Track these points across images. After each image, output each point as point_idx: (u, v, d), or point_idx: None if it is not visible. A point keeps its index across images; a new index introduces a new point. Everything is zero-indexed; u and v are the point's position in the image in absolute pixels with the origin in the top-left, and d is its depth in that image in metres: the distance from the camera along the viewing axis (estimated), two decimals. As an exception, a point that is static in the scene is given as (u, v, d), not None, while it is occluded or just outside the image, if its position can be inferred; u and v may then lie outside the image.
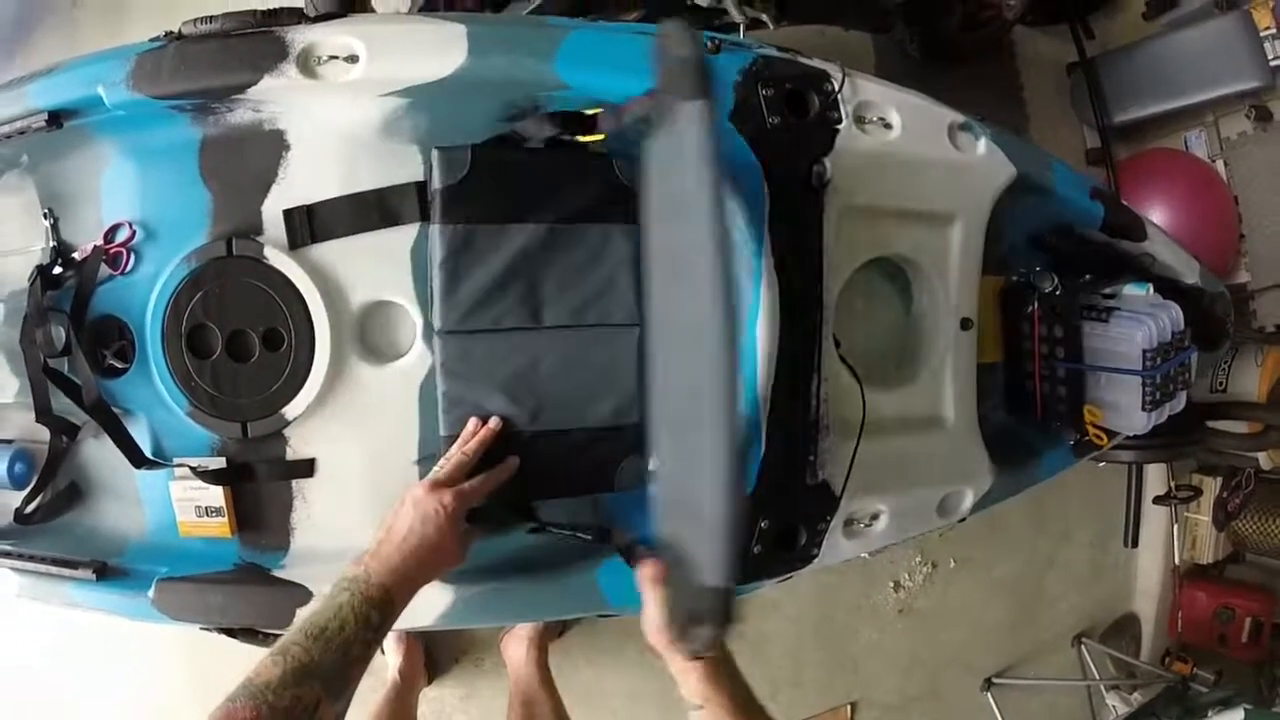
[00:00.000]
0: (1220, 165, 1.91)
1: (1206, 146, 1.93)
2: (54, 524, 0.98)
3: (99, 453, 0.98)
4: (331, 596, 0.73)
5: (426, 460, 0.94)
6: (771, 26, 1.35)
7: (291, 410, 0.92)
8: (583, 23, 0.89)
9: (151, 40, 0.87)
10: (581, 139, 0.87)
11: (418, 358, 0.94)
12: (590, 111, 0.86)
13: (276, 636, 0.72)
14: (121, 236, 0.92)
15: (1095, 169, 1.97)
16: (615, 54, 0.87)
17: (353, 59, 0.83)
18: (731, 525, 0.47)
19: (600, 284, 0.93)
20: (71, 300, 0.92)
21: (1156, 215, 1.71)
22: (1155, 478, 2.14)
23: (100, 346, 0.93)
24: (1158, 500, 2.05)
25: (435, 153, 0.89)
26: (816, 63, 0.97)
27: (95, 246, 0.93)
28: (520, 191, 0.90)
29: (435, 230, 0.89)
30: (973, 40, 1.69)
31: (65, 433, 0.96)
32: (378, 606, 0.73)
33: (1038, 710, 2.14)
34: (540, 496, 0.95)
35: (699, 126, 0.49)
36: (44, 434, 0.97)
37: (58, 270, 0.93)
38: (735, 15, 1.26)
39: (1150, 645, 2.28)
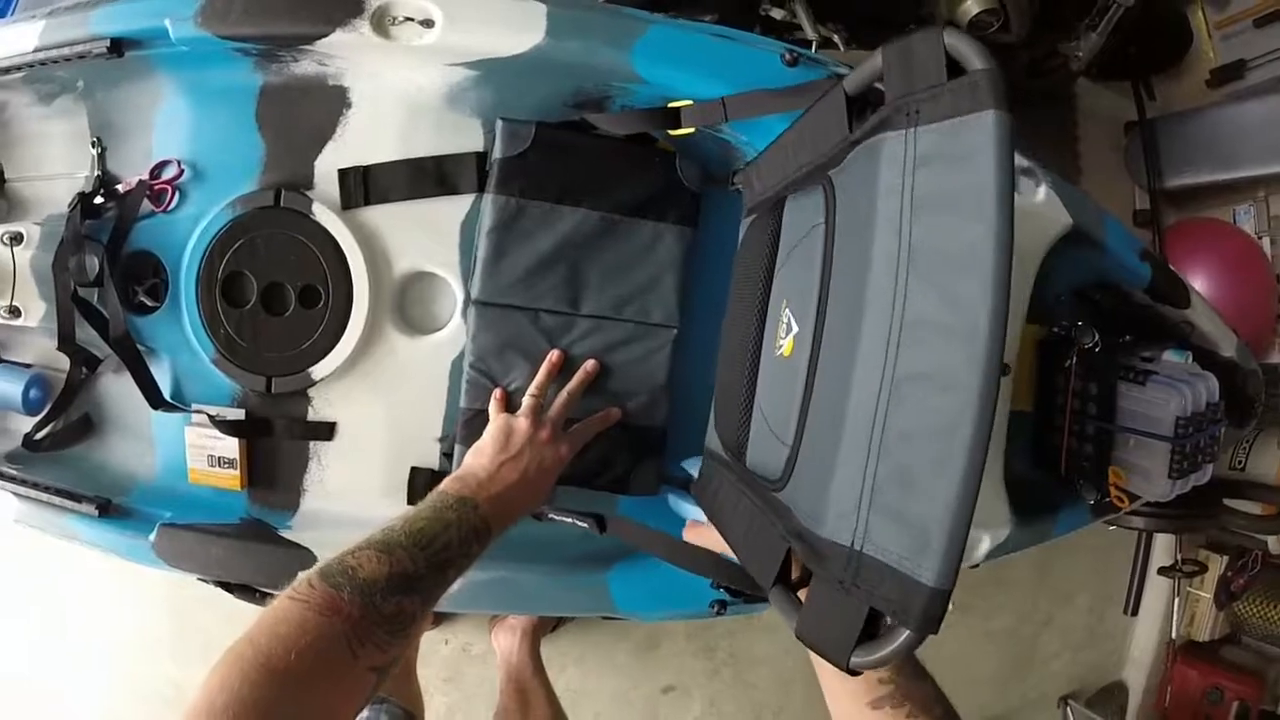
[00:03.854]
0: (1266, 243, 1.88)
1: (1254, 222, 1.90)
2: (62, 454, 0.97)
3: (117, 389, 0.96)
4: (437, 508, 0.66)
5: (448, 439, 0.93)
6: (842, 48, 1.34)
7: (319, 371, 0.91)
8: (663, 18, 0.87)
9: (226, -22, 0.85)
10: (672, 133, 0.85)
11: (454, 333, 0.92)
12: (675, 105, 0.84)
13: (274, 596, 0.68)
14: (169, 174, 0.91)
15: (1142, 230, 1.95)
16: (694, 53, 0.85)
17: (428, 23, 0.81)
18: (965, 530, 0.45)
19: (644, 281, 0.92)
20: (110, 232, 0.91)
21: (1198, 284, 1.68)
22: (1162, 548, 2.11)
23: (133, 281, 0.92)
24: (1162, 571, 2.02)
25: (500, 123, 0.88)
26: None
27: (140, 180, 0.91)
28: (578, 175, 0.89)
29: (489, 199, 0.88)
30: (1036, 87, 1.67)
31: (86, 364, 0.95)
32: (478, 538, 0.67)
33: (1013, 769, 2.11)
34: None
35: (997, 139, 0.45)
36: (64, 362, 0.95)
37: (99, 199, 0.92)
38: (809, 32, 1.25)
39: (1134, 716, 2.25)
